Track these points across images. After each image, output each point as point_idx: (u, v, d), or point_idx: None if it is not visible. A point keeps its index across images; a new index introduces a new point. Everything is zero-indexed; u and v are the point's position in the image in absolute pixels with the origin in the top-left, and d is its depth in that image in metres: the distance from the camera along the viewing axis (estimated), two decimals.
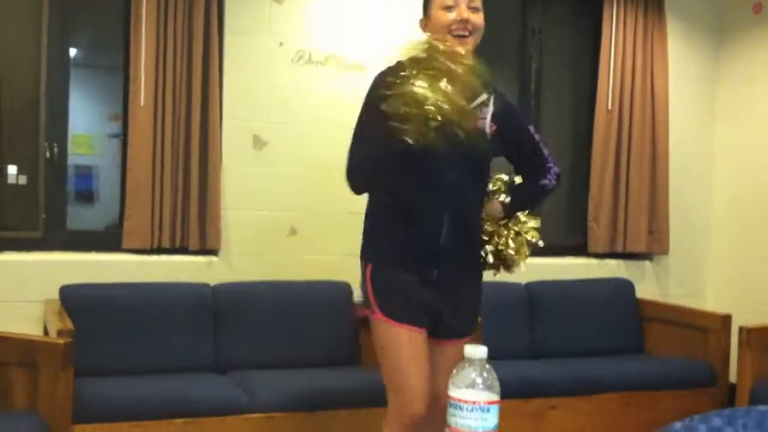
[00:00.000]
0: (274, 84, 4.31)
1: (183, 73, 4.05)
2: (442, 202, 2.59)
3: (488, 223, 2.76)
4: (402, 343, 2.57)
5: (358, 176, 2.60)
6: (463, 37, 2.60)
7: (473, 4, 2.63)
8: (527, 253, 2.82)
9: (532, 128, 2.84)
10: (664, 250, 5.08)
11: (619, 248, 4.97)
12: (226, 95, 4.21)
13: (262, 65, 4.29)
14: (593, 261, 5.00)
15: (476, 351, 1.49)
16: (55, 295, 3.78)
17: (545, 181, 2.83)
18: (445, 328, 2.66)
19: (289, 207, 4.33)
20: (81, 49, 4.36)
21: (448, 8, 2.60)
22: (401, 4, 4.48)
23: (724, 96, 5.32)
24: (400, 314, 2.57)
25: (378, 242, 2.65)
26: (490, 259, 2.75)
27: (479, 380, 1.48)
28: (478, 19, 2.63)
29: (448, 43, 2.45)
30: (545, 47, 5.05)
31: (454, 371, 1.51)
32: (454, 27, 2.59)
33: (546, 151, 2.86)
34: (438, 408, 2.69)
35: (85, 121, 4.76)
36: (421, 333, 2.60)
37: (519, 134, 2.79)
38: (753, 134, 5.13)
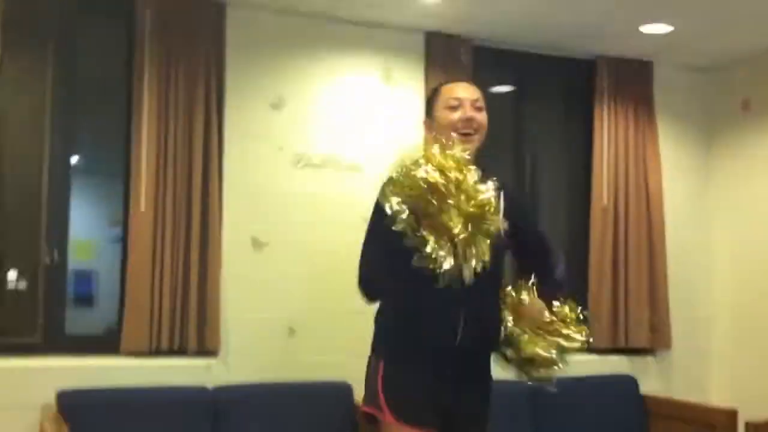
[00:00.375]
0: (273, 187, 4.38)
1: (183, 178, 4.11)
2: (459, 300, 2.49)
3: (525, 329, 2.70)
4: None
5: (372, 287, 2.59)
6: (469, 134, 2.66)
7: (477, 104, 2.71)
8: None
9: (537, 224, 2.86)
10: (667, 345, 5.04)
11: (621, 344, 4.95)
12: (225, 198, 4.26)
13: (262, 169, 4.37)
14: (595, 357, 4.96)
15: None
16: (52, 400, 3.73)
17: (557, 277, 2.82)
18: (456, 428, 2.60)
19: (287, 308, 4.33)
20: (82, 155, 4.43)
21: (453, 108, 2.68)
22: (396, 106, 4.61)
23: (718, 190, 5.38)
24: (410, 415, 2.52)
25: (392, 338, 2.61)
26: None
27: None
28: (483, 117, 2.71)
29: (449, 142, 2.43)
30: (539, 147, 5.15)
31: None
32: (459, 126, 2.65)
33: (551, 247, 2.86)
34: None
35: (86, 227, 4.80)
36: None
37: (530, 228, 2.80)
38: (748, 226, 5.17)
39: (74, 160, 4.23)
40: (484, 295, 2.61)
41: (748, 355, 5.09)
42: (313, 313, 4.35)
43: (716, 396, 5.16)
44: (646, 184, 5.07)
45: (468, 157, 2.40)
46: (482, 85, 4.82)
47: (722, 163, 5.37)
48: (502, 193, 2.62)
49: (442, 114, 2.69)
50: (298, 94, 4.48)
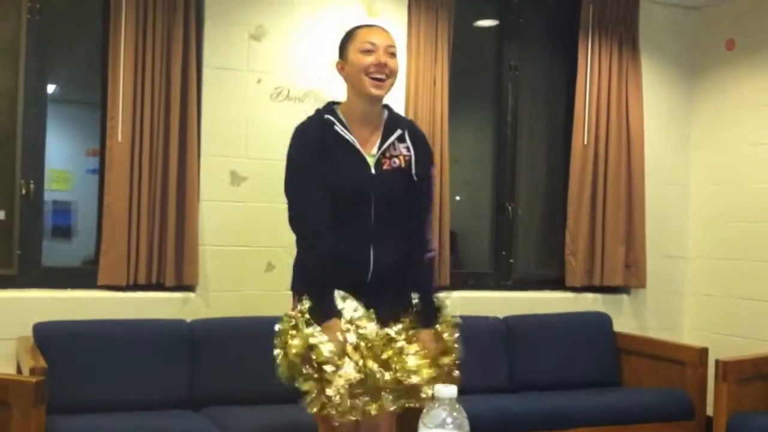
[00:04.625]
0: (252, 120, 4.33)
1: (161, 109, 4.06)
2: (369, 239, 2.73)
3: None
4: None
5: (299, 230, 2.80)
6: (380, 80, 2.73)
7: (391, 50, 2.77)
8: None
9: (433, 170, 2.93)
10: (642, 284, 5.10)
11: (597, 282, 5.00)
12: (204, 131, 4.21)
13: (241, 101, 4.31)
14: (570, 295, 5.02)
15: (446, 390, 1.49)
16: (29, 332, 3.74)
17: (428, 254, 2.91)
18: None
19: (265, 242, 4.32)
20: (58, 85, 4.36)
21: (367, 52, 2.74)
22: None
23: (699, 130, 5.39)
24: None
25: (311, 278, 2.78)
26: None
27: (449, 420, 1.48)
28: (395, 63, 2.78)
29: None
30: (521, 83, 5.11)
31: (424, 411, 1.51)
32: (372, 70, 2.72)
33: (430, 211, 2.98)
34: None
35: (63, 157, 4.74)
36: None
37: (424, 170, 2.87)
38: (727, 169, 5.20)
39: (50, 89, 4.16)
40: (392, 231, 2.76)
41: (721, 295, 5.17)
42: (291, 247, 4.33)
43: (689, 335, 5.25)
44: (628, 123, 5.05)
45: None
46: (465, 18, 4.80)
47: (704, 103, 5.36)
48: (407, 132, 2.83)
49: (356, 57, 2.74)
50: (279, 24, 4.40)
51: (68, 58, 4.40)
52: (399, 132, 2.80)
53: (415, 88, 4.53)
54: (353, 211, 2.72)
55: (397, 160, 2.77)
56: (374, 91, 2.72)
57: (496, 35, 5.12)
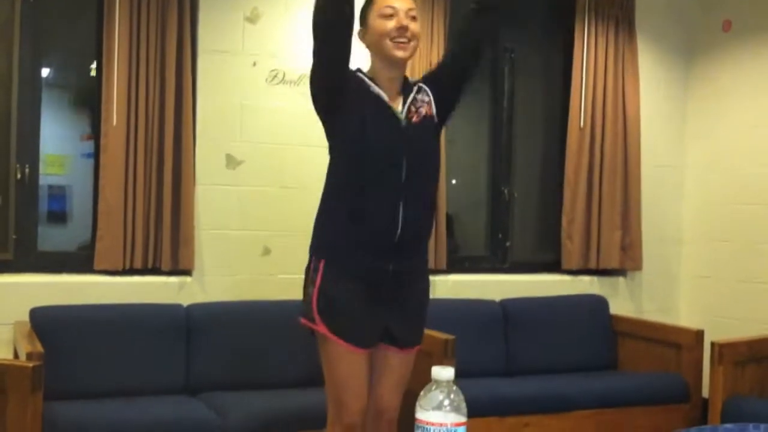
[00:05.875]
0: (247, 103, 4.31)
1: (156, 93, 4.04)
2: (399, 197, 2.65)
3: None
4: (341, 357, 2.65)
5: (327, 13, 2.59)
6: (403, 43, 2.68)
7: (411, 13, 2.71)
8: None
9: None
10: (638, 267, 5.11)
11: (593, 265, 5.00)
12: (199, 115, 4.20)
13: (236, 85, 4.30)
14: (567, 278, 5.03)
15: (443, 372, 1.49)
16: (26, 317, 3.74)
17: None
18: (390, 337, 2.72)
19: (262, 227, 4.32)
20: (53, 69, 4.34)
21: (387, 16, 2.68)
22: None
23: (695, 113, 5.38)
24: (345, 331, 2.64)
25: (334, 238, 2.70)
26: None
27: (446, 402, 1.47)
28: (417, 27, 2.73)
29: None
30: (517, 65, 5.09)
31: (422, 393, 1.51)
32: (394, 34, 2.67)
33: None
34: (383, 423, 2.73)
35: (58, 141, 4.72)
36: (363, 352, 2.66)
37: (444, 62, 2.90)
38: (723, 152, 5.19)
39: (44, 73, 4.13)
40: (422, 188, 2.73)
41: (717, 277, 5.18)
42: (288, 232, 4.34)
43: (685, 318, 5.26)
44: (624, 106, 5.04)
45: None
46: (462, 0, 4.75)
47: (701, 86, 5.35)
48: (423, 86, 2.79)
49: (377, 23, 2.69)
50: (275, 6, 4.38)
51: (62, 42, 4.37)
52: (417, 87, 2.79)
53: (410, 70, 4.49)
54: (384, 169, 2.65)
55: (422, 110, 2.75)
56: (398, 53, 2.67)
57: None
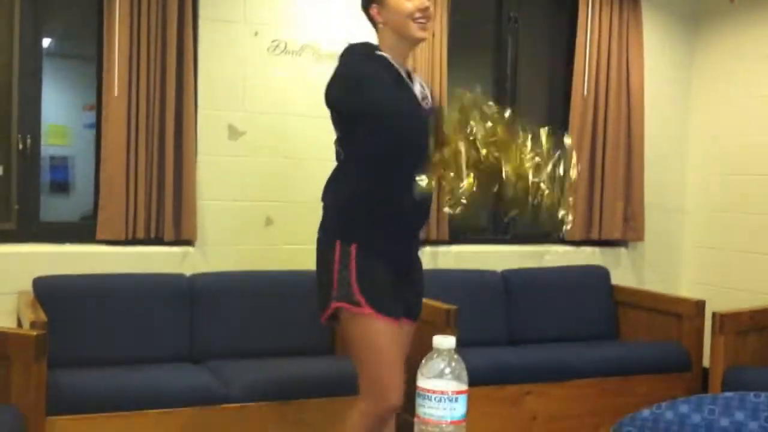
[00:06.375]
0: (249, 73, 4.29)
1: (157, 63, 4.02)
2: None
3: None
4: (386, 336, 2.58)
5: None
6: (424, 24, 2.65)
7: None
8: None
9: None
10: (640, 237, 5.11)
11: (595, 236, 5.00)
12: (200, 85, 4.18)
13: (237, 55, 4.27)
14: (569, 248, 5.04)
15: (444, 341, 1.49)
16: (29, 287, 3.76)
17: None
18: (407, 310, 2.73)
19: (264, 197, 4.32)
20: (54, 39, 4.32)
21: None
22: None
23: (699, 84, 5.35)
24: (388, 308, 2.59)
25: (366, 220, 2.63)
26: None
27: (447, 370, 1.48)
28: (433, 5, 2.75)
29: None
30: (521, 35, 5.06)
31: (423, 361, 1.51)
32: (417, 15, 2.62)
33: None
34: None
35: (60, 112, 4.72)
36: (398, 324, 2.63)
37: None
38: (727, 122, 5.17)
39: (45, 43, 4.11)
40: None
41: (719, 248, 5.18)
42: (291, 202, 4.34)
43: (687, 288, 5.27)
44: (628, 76, 5.02)
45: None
46: None
47: (706, 55, 5.32)
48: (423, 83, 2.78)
49: (397, 2, 2.62)
50: None
51: (63, 11, 4.35)
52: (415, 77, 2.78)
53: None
54: (412, 148, 2.49)
55: (426, 92, 2.75)
56: (421, 34, 2.65)
57: None
